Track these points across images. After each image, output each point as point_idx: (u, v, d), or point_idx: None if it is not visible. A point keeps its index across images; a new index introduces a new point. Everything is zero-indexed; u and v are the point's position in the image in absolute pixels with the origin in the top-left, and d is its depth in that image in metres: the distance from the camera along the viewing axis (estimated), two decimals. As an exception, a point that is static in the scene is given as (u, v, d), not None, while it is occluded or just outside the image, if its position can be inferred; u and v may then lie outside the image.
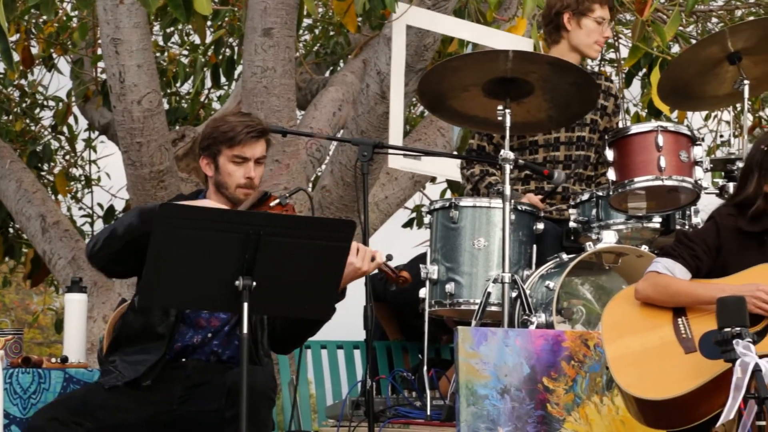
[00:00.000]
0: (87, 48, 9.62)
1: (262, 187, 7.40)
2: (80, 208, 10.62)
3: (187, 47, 10.06)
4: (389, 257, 4.66)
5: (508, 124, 5.26)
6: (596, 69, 9.99)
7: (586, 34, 5.80)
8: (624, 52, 9.49)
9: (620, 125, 6.28)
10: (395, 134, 6.67)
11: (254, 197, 4.71)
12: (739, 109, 5.95)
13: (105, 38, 7.08)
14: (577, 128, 5.93)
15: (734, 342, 3.94)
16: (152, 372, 4.57)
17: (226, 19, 9.09)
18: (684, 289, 4.40)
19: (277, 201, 4.70)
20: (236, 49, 9.76)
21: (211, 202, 4.67)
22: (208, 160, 4.74)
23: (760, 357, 3.93)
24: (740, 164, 5.50)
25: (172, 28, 10.08)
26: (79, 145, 10.51)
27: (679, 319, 4.39)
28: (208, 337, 4.67)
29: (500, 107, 5.28)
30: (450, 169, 7.20)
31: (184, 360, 4.65)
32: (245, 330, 4.15)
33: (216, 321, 4.70)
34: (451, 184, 9.83)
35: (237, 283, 4.18)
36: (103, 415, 4.46)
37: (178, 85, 10.23)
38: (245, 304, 4.17)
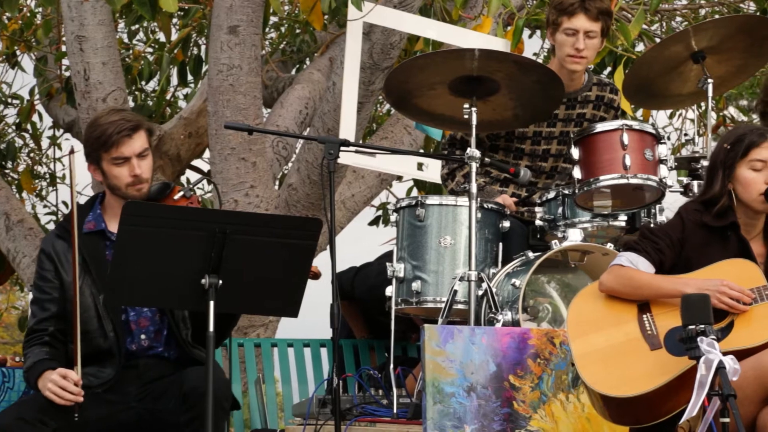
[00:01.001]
0: (51, 45, 9.56)
1: (230, 184, 7.44)
2: (45, 206, 10.56)
3: (154, 45, 10.01)
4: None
5: (474, 122, 5.27)
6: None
7: (559, 47, 5.73)
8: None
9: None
10: (347, 131, 6.66)
11: (155, 188, 4.67)
12: (703, 107, 5.97)
13: (69, 35, 7.04)
14: (573, 124, 5.88)
15: (698, 339, 3.96)
16: (108, 383, 4.59)
17: (195, 16, 9.05)
18: (648, 282, 4.42)
19: (180, 193, 4.67)
20: (203, 47, 9.73)
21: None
22: (94, 167, 4.70)
23: (724, 354, 3.95)
24: (704, 162, 5.53)
25: (137, 26, 10.03)
26: (44, 143, 10.45)
27: (644, 315, 4.41)
28: (142, 338, 4.67)
29: (466, 105, 5.29)
30: (411, 167, 7.21)
31: (135, 360, 4.66)
32: (211, 329, 4.15)
33: (145, 321, 4.69)
34: (418, 182, 9.84)
35: (203, 281, 4.18)
36: (67, 414, 4.45)
37: (143, 82, 10.18)
38: (211, 303, 4.16)
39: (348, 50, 6.65)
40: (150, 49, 10.05)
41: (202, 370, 4.23)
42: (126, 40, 10.21)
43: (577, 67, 5.71)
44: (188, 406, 4.38)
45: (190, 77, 9.50)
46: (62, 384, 4.42)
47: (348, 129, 6.68)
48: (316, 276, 4.78)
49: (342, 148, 5.15)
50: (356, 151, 6.26)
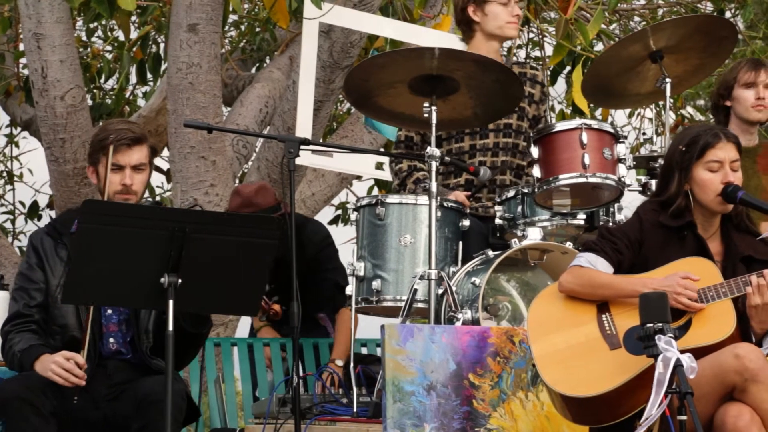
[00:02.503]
0: (9, 43, 9.49)
1: (190, 183, 7.40)
2: (2, 205, 10.48)
3: (114, 43, 9.96)
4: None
5: (434, 121, 5.28)
6: (523, 59, 10.07)
7: (494, 18, 5.88)
8: (549, 50, 9.57)
9: (548, 113, 6.32)
10: (303, 130, 6.66)
11: (136, 202, 4.73)
12: (661, 106, 6.00)
13: (27, 33, 6.99)
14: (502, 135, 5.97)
15: (656, 337, 3.98)
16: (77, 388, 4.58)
17: (154, 15, 9.01)
18: (607, 283, 4.44)
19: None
20: (162, 45, 9.68)
21: None
22: (93, 169, 4.81)
23: (682, 352, 3.98)
24: (662, 161, 5.56)
25: (95, 24, 9.97)
26: (1, 141, 10.37)
27: (603, 315, 4.43)
28: (111, 341, 4.70)
29: (426, 104, 5.30)
30: (370, 166, 7.21)
31: (105, 361, 4.68)
32: (170, 328, 4.14)
33: (113, 326, 4.73)
34: (379, 181, 9.84)
35: (162, 280, 4.16)
36: (66, 398, 4.50)
37: (102, 81, 10.12)
38: (170, 301, 4.15)
39: (304, 49, 6.65)
40: (109, 47, 9.99)
41: (159, 378, 4.27)
42: (84, 38, 10.15)
43: (515, 33, 6.04)
44: (140, 414, 4.42)
45: (149, 75, 9.45)
46: (68, 366, 4.46)
47: (304, 128, 6.68)
48: (277, 315, 4.84)
49: (302, 147, 5.14)
50: (315, 151, 6.26)
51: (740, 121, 5.58)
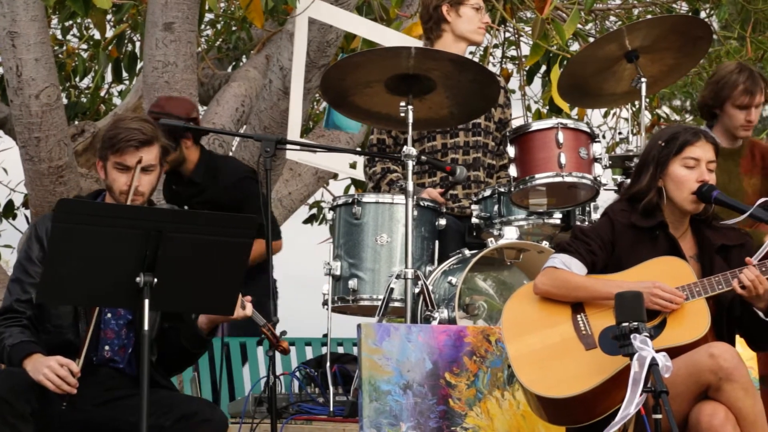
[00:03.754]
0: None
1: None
2: (-23, 203, 10.41)
3: (89, 41, 9.92)
4: (276, 322, 4.70)
5: (410, 120, 5.28)
6: (497, 67, 10.10)
7: (468, 21, 5.96)
8: (525, 50, 9.59)
9: (513, 116, 6.34)
10: (294, 126, 6.66)
11: (140, 203, 4.65)
12: (637, 106, 6.03)
13: (1, 31, 6.95)
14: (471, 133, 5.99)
15: (632, 336, 3.99)
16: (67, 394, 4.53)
17: (129, 13, 8.98)
18: (582, 284, 4.45)
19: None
20: (138, 43, 9.65)
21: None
22: (101, 164, 4.70)
23: (657, 351, 3.99)
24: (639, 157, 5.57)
25: (70, 22, 9.93)
26: (-25, 140, 10.30)
27: (578, 316, 4.44)
28: (105, 349, 4.63)
29: (402, 104, 5.30)
30: (346, 165, 7.22)
31: (96, 367, 4.60)
32: (146, 327, 4.12)
33: (111, 333, 4.65)
34: (355, 180, 9.84)
35: (138, 279, 4.15)
36: (53, 402, 4.42)
37: (77, 79, 10.08)
38: (146, 301, 4.13)
39: (296, 45, 6.64)
40: (84, 46, 9.96)
41: (201, 399, 4.40)
42: (60, 37, 10.11)
43: (482, 39, 6.12)
44: (180, 429, 4.40)
45: (124, 74, 9.43)
46: (62, 374, 4.36)
47: (295, 124, 6.67)
48: (285, 352, 4.84)
49: (278, 146, 5.14)
50: (291, 149, 6.26)
51: (726, 130, 5.59)
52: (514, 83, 9.77)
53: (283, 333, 4.72)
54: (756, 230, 4.99)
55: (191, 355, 4.72)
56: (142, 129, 4.65)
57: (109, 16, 9.38)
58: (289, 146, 5.90)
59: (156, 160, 4.66)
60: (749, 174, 5.60)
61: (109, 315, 4.64)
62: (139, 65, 9.17)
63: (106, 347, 4.63)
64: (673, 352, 4.13)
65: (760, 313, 4.40)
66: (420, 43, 6.81)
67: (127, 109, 9.05)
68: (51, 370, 4.37)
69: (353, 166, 7.75)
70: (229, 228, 4.27)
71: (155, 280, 4.15)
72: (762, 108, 5.60)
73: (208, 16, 9.94)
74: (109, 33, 9.36)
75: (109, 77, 9.98)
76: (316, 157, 6.67)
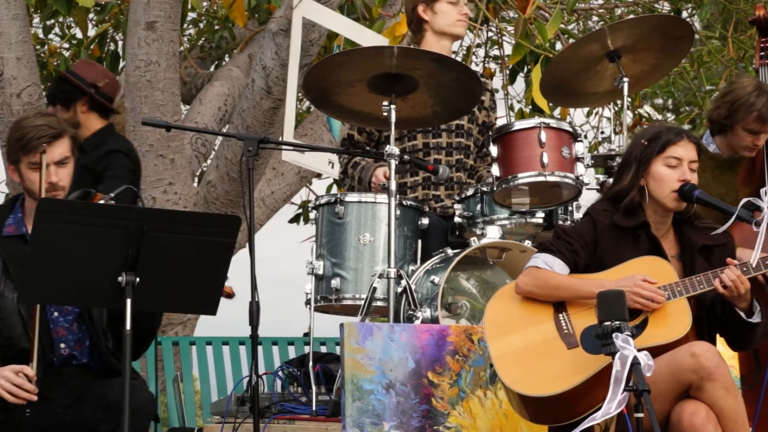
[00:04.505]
0: (-35, 40, 9.39)
1: (148, 181, 7.37)
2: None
3: (71, 40, 9.88)
4: None
5: (393, 119, 5.28)
6: (480, 66, 10.11)
7: (443, 16, 5.96)
8: (508, 49, 9.60)
9: (500, 121, 6.35)
10: (289, 124, 6.64)
11: (75, 196, 4.60)
12: (619, 106, 6.04)
13: (-17, 30, 6.93)
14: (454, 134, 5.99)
15: (614, 335, 4.00)
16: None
17: (111, 12, 8.95)
18: (564, 284, 4.45)
19: (101, 201, 4.60)
20: (120, 43, 9.63)
21: None
22: (13, 168, 4.64)
23: (639, 350, 4.00)
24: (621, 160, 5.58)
25: (52, 21, 9.90)
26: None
27: (560, 315, 4.45)
28: (62, 347, 4.59)
29: (385, 103, 5.30)
30: (326, 165, 7.20)
31: (59, 368, 4.58)
32: (128, 327, 4.11)
33: (62, 330, 4.61)
34: (338, 180, 9.84)
35: (120, 278, 4.14)
36: (15, 410, 4.40)
37: (59, 78, 10.04)
38: (128, 300, 4.13)
39: (293, 42, 6.62)
40: (66, 45, 9.92)
41: (129, 383, 4.19)
42: (41, 35, 10.07)
43: (463, 31, 6.06)
44: (108, 417, 4.32)
45: (106, 73, 9.38)
46: (17, 382, 4.34)
47: (289, 122, 6.66)
48: (230, 296, 4.77)
49: (261, 145, 5.13)
50: (273, 148, 6.24)
51: (730, 146, 5.57)
52: (496, 82, 9.75)
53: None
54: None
55: (140, 331, 4.51)
56: (49, 123, 4.61)
57: (91, 15, 9.35)
58: (272, 146, 5.89)
59: (69, 151, 4.61)
60: (746, 184, 5.60)
61: (56, 313, 4.59)
62: (121, 64, 9.14)
63: (62, 345, 4.59)
64: (655, 351, 4.14)
65: (742, 314, 4.42)
66: (403, 44, 6.83)
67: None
68: (6, 380, 4.33)
69: (332, 165, 7.74)
70: (212, 227, 4.26)
71: (137, 279, 4.14)
72: None
73: (191, 15, 9.91)
74: (92, 32, 9.33)
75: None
76: (304, 157, 6.66)
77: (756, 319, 4.43)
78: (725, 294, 4.39)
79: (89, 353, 4.62)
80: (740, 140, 5.50)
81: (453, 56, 6.17)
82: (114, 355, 4.59)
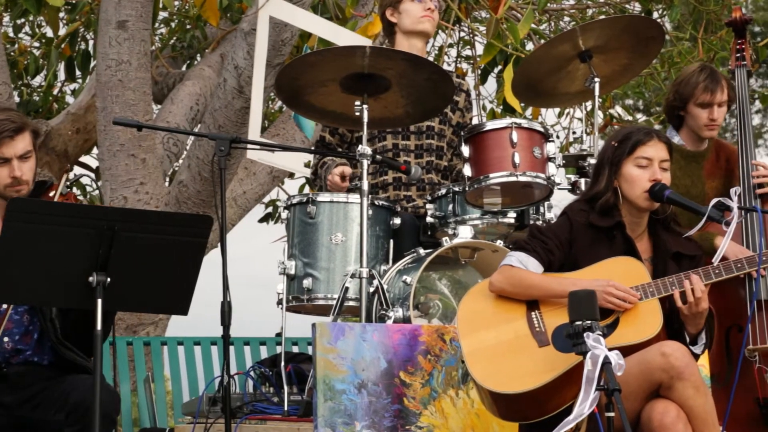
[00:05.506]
0: (-66, 38, 9.33)
1: (119, 181, 7.34)
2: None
3: (42, 39, 9.84)
4: None
5: (365, 119, 5.28)
6: (452, 66, 10.13)
7: (408, 14, 5.97)
8: (480, 49, 9.62)
9: (474, 121, 6.36)
10: (254, 125, 6.64)
11: (28, 191, 4.57)
12: (590, 106, 6.06)
13: (-48, 29, 6.88)
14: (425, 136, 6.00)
15: (585, 335, 4.02)
16: None
17: (82, 11, 8.91)
18: (537, 283, 4.47)
19: (57, 190, 4.57)
20: (91, 41, 9.59)
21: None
22: None
23: (610, 350, 4.02)
24: (592, 160, 5.61)
25: (22, 20, 9.85)
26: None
27: (533, 313, 4.46)
28: (5, 341, 4.51)
29: (357, 103, 5.30)
30: (301, 164, 7.21)
31: (5, 369, 4.50)
32: (99, 327, 4.09)
33: (9, 323, 4.53)
34: (309, 180, 9.83)
35: (91, 279, 4.12)
36: None
37: (29, 77, 10.00)
38: (99, 301, 4.11)
39: (258, 42, 6.62)
40: (37, 44, 9.88)
41: (89, 381, 4.15)
42: (11, 34, 10.02)
43: (429, 26, 5.98)
44: (74, 419, 4.28)
45: (77, 72, 9.36)
46: None
47: (255, 122, 6.65)
48: None
49: (233, 145, 5.12)
50: (245, 147, 6.24)
51: (692, 131, 5.63)
52: (468, 83, 9.77)
53: None
54: (705, 232, 5.03)
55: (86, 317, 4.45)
56: (11, 117, 4.56)
57: (61, 14, 9.31)
58: (243, 145, 5.88)
59: (31, 145, 4.57)
60: (711, 177, 5.64)
61: (4, 306, 4.50)
62: (92, 63, 9.11)
63: (5, 339, 4.51)
64: (626, 351, 4.16)
65: (687, 338, 4.45)
66: (376, 44, 6.83)
67: (80, 107, 8.99)
68: None
69: (308, 165, 7.74)
70: (183, 227, 4.25)
71: (108, 279, 4.12)
72: (727, 106, 5.63)
73: (162, 15, 9.89)
74: (62, 31, 9.29)
75: (62, 75, 9.91)
76: (274, 157, 6.65)
77: (697, 350, 4.46)
78: (683, 309, 4.41)
79: (38, 347, 4.55)
80: (697, 119, 5.56)
81: (426, 56, 6.16)
82: (64, 345, 4.53)
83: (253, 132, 6.67)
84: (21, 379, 4.49)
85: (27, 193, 4.54)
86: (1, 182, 4.53)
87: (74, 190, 4.60)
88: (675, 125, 5.66)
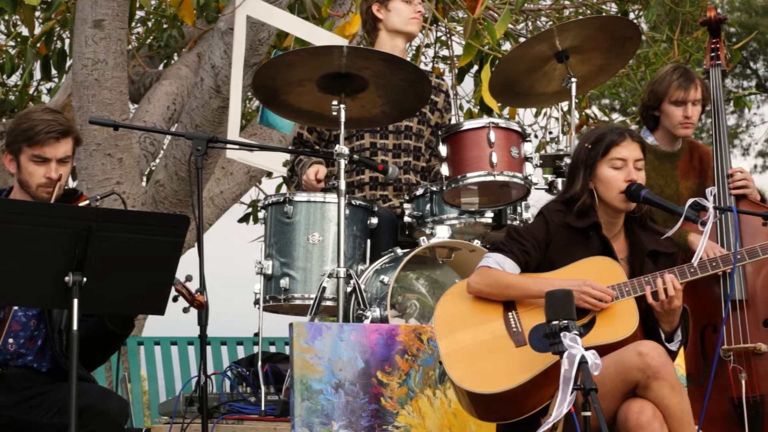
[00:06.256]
0: None
1: (96, 180, 7.32)
2: None
3: (17, 38, 9.79)
4: (188, 278, 4.61)
5: (342, 119, 5.28)
6: (429, 66, 10.13)
7: (397, 14, 5.97)
8: (457, 50, 9.63)
9: (453, 121, 6.36)
10: (233, 125, 6.63)
11: (59, 194, 4.59)
12: (567, 106, 6.07)
13: (-73, 27, 6.85)
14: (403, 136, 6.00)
15: (562, 334, 4.03)
16: None
17: (58, 10, 8.87)
18: (515, 283, 4.48)
19: (86, 202, 4.60)
20: (67, 41, 9.55)
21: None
22: (11, 158, 4.62)
23: (587, 349, 4.03)
24: (568, 160, 5.63)
25: (-2, 18, 9.80)
26: None
27: (510, 313, 4.47)
28: (9, 342, 4.52)
29: (335, 102, 5.30)
30: (279, 164, 7.20)
31: (3, 370, 4.51)
32: (75, 327, 4.08)
33: (16, 325, 4.55)
34: (286, 179, 9.82)
35: (66, 279, 4.10)
36: None
37: (5, 76, 9.95)
38: (75, 301, 4.09)
39: (236, 41, 6.61)
40: (12, 43, 9.83)
41: (95, 387, 4.20)
42: (-13, 33, 9.98)
43: (417, 28, 6.02)
44: (83, 423, 4.27)
45: (53, 71, 9.32)
46: None
47: (234, 122, 6.64)
48: (202, 306, 4.70)
49: (210, 144, 5.11)
50: (222, 147, 6.23)
51: (667, 132, 5.65)
52: (447, 83, 9.78)
53: (199, 290, 4.62)
54: (681, 231, 5.05)
55: (117, 337, 4.58)
56: (59, 120, 4.61)
57: (37, 13, 9.26)
58: (221, 145, 5.87)
59: (72, 151, 4.62)
60: (685, 177, 5.67)
61: (16, 307, 4.53)
62: (68, 62, 9.07)
63: (10, 340, 4.53)
64: (602, 350, 4.17)
65: (663, 336, 4.47)
66: (354, 43, 6.82)
67: (56, 106, 8.94)
68: None
69: (286, 164, 7.73)
70: (160, 227, 4.24)
71: (84, 279, 4.11)
72: (702, 106, 5.66)
73: (139, 14, 9.85)
74: (38, 30, 9.24)
75: (38, 74, 9.86)
76: (253, 156, 6.65)
77: (673, 347, 4.48)
78: (655, 307, 4.42)
79: (39, 353, 4.56)
80: (672, 118, 5.60)
81: (405, 56, 6.16)
82: (65, 356, 4.54)
83: (232, 131, 6.66)
84: (17, 382, 4.50)
85: (56, 197, 4.55)
86: (34, 181, 4.56)
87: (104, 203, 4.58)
88: (650, 126, 5.69)
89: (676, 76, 5.63)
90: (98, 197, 4.66)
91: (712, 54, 5.82)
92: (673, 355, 4.44)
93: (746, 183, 5.57)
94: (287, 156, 7.76)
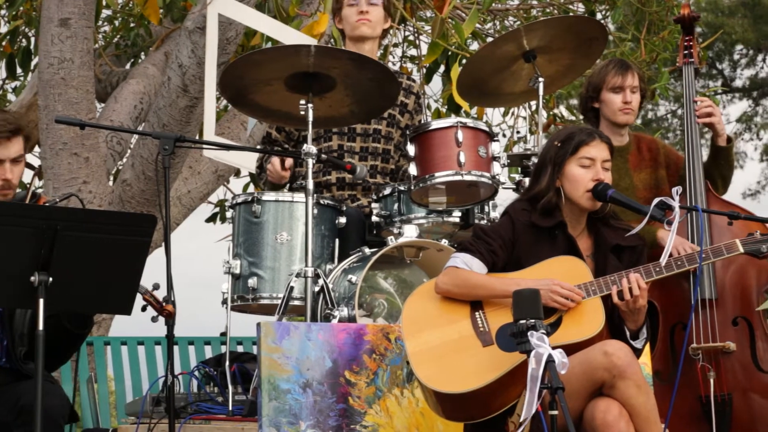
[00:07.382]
0: None
1: (62, 180, 7.28)
2: None
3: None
4: (156, 286, 4.58)
5: (310, 118, 5.28)
6: (398, 66, 10.14)
7: (347, 21, 5.99)
8: (425, 49, 9.63)
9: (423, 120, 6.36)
10: (209, 122, 6.61)
11: (19, 196, 4.55)
12: (534, 106, 6.09)
13: None
14: (373, 120, 5.98)
15: (529, 333, 4.04)
16: None
17: (21, 9, 8.82)
18: (482, 283, 4.49)
19: (45, 203, 4.56)
20: (33, 39, 9.49)
21: None
22: None
23: (554, 348, 4.04)
24: (536, 159, 5.64)
25: (-37, 17, 9.74)
26: None
27: (477, 313, 4.48)
28: None
29: (302, 102, 5.30)
30: (251, 162, 7.19)
31: None
32: (41, 327, 4.06)
33: None
34: (255, 178, 9.80)
35: (32, 278, 4.08)
36: None
37: (-30, 75, 9.90)
38: (41, 300, 4.07)
39: (208, 38, 6.59)
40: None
41: (43, 385, 4.12)
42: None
43: (365, 30, 5.94)
44: (22, 421, 4.25)
45: (19, 70, 9.27)
46: None
47: (210, 120, 6.62)
48: (171, 315, 4.68)
49: (177, 143, 5.10)
50: (189, 146, 6.21)
51: (609, 123, 5.66)
52: (418, 85, 9.80)
53: (166, 299, 4.60)
54: (650, 226, 5.07)
55: (76, 336, 4.56)
56: (7, 119, 4.55)
57: (2, 11, 9.21)
58: (188, 144, 5.85)
59: (23, 149, 4.57)
60: (638, 169, 5.69)
61: None
62: (34, 61, 9.02)
63: None
64: (569, 350, 4.19)
65: (628, 333, 4.49)
66: (322, 43, 6.82)
67: (22, 105, 8.90)
68: None
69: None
70: (127, 226, 4.22)
71: (50, 279, 4.09)
72: (640, 96, 5.68)
73: (106, 12, 9.81)
74: (3, 28, 9.19)
75: (2, 73, 9.81)
76: (228, 154, 6.63)
77: (638, 345, 4.50)
78: (620, 306, 4.44)
79: (6, 354, 4.55)
80: (611, 105, 5.62)
81: (375, 56, 6.16)
82: (26, 363, 4.52)
83: (208, 130, 6.65)
84: None
85: (12, 198, 4.51)
86: None
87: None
88: (592, 123, 5.69)
89: (612, 65, 5.70)
90: (57, 200, 4.60)
91: (686, 52, 5.83)
92: (638, 353, 4.46)
93: (711, 110, 5.59)
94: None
